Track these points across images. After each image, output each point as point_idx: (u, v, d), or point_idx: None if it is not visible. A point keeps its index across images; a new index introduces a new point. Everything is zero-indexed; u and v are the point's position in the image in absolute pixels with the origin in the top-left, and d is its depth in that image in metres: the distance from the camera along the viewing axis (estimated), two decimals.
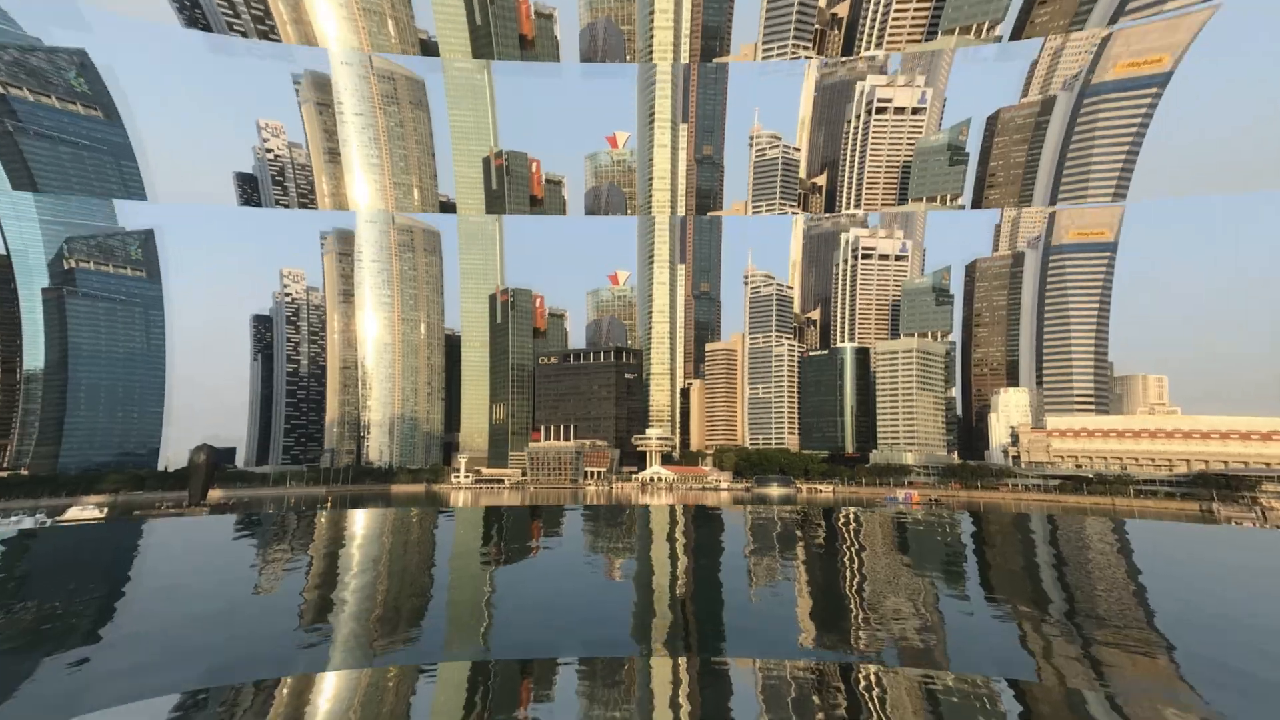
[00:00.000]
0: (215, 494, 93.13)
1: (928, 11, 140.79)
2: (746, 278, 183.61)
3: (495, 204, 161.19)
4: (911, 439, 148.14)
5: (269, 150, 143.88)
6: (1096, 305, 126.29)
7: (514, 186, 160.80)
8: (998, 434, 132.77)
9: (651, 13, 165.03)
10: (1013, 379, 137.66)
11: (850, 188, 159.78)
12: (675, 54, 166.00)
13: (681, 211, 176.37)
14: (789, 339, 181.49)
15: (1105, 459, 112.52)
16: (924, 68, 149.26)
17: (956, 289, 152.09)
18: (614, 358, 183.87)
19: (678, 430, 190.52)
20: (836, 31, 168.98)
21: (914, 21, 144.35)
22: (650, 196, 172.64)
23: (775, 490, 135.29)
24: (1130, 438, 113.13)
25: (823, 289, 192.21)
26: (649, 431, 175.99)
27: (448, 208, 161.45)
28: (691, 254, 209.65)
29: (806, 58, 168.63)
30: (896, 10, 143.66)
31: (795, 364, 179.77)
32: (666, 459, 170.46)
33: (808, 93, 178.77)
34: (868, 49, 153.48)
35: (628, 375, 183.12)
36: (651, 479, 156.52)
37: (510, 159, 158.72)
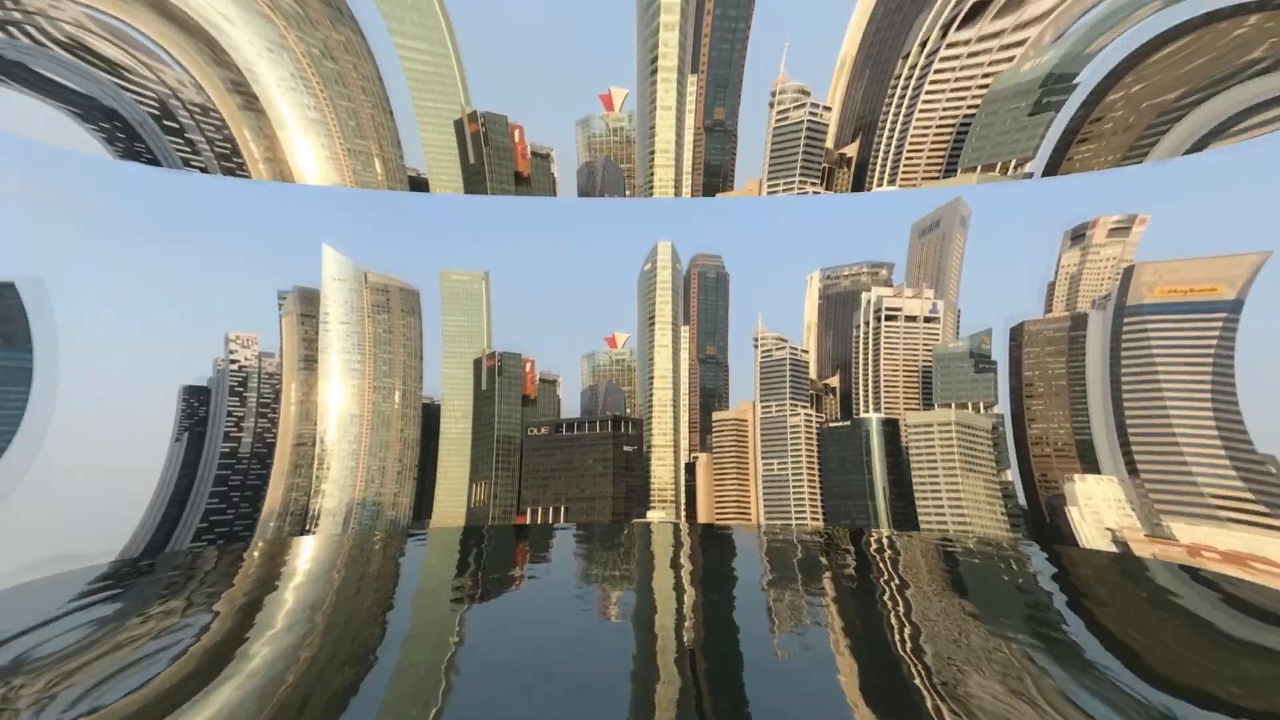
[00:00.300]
0: None
1: (944, 151, 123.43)
2: (757, 340, 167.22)
3: (475, 181, 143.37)
4: (964, 529, 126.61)
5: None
6: (1210, 380, 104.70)
7: (495, 159, 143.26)
8: (1088, 535, 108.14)
9: (652, 152, 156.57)
10: (1088, 462, 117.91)
11: (888, 159, 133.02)
12: (677, 190, 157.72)
13: (687, 193, 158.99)
14: (805, 408, 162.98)
15: None
16: None
17: (1000, 354, 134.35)
18: (611, 428, 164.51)
19: (682, 511, 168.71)
20: (846, 170, 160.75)
21: (930, 160, 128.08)
22: (651, 174, 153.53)
23: None
24: None
25: (842, 354, 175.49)
26: (650, 514, 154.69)
27: (419, 185, 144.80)
28: (696, 314, 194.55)
29: (815, 193, 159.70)
30: (911, 149, 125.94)
31: (814, 436, 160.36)
32: None
33: (853, 37, 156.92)
34: (879, 187, 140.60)
35: (626, 447, 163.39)
36: None
37: (488, 124, 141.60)
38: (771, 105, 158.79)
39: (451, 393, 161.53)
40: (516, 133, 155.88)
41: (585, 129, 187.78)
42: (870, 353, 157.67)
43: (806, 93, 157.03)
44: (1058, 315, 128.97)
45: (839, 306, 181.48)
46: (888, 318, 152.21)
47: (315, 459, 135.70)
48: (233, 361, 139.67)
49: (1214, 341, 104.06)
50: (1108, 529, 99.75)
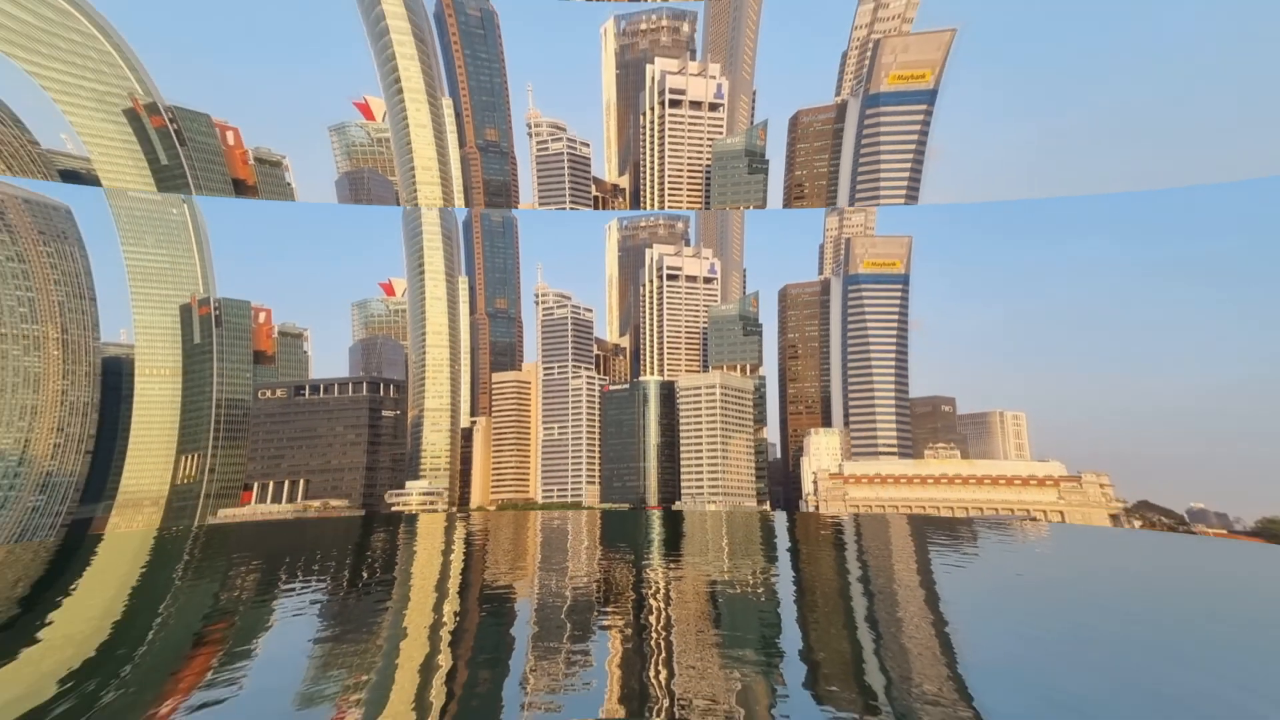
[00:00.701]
0: None
1: (700, 184, 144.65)
2: (537, 297, 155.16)
3: (172, 180, 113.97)
4: (717, 488, 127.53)
5: None
6: (894, 342, 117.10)
7: (199, 160, 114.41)
8: (807, 481, 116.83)
9: (412, 167, 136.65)
10: (827, 418, 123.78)
11: (653, 188, 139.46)
12: (446, 202, 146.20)
13: (460, 204, 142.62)
14: (588, 370, 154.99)
15: (898, 507, 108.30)
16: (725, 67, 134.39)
17: (771, 317, 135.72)
18: (368, 390, 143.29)
19: (457, 481, 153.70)
20: (621, 200, 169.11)
21: (690, 188, 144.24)
22: (415, 189, 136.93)
23: None
24: (919, 484, 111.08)
25: (636, 312, 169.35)
26: (409, 485, 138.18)
27: (80, 178, 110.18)
28: (482, 262, 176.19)
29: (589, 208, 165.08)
30: (671, 181, 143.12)
31: (595, 399, 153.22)
32: None
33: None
34: (654, 207, 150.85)
35: (386, 413, 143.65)
36: None
37: (184, 121, 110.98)
38: (531, 135, 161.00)
39: (149, 345, 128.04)
40: (230, 134, 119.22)
41: (341, 137, 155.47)
42: (654, 311, 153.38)
43: (561, 128, 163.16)
44: (810, 280, 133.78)
45: (638, 260, 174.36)
46: (669, 277, 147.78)
47: None
48: None
49: (897, 307, 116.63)
50: (813, 472, 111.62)
